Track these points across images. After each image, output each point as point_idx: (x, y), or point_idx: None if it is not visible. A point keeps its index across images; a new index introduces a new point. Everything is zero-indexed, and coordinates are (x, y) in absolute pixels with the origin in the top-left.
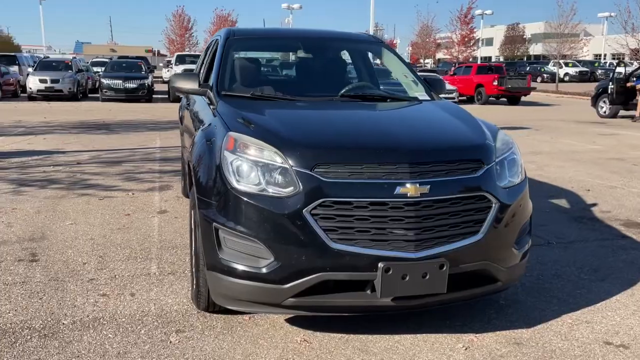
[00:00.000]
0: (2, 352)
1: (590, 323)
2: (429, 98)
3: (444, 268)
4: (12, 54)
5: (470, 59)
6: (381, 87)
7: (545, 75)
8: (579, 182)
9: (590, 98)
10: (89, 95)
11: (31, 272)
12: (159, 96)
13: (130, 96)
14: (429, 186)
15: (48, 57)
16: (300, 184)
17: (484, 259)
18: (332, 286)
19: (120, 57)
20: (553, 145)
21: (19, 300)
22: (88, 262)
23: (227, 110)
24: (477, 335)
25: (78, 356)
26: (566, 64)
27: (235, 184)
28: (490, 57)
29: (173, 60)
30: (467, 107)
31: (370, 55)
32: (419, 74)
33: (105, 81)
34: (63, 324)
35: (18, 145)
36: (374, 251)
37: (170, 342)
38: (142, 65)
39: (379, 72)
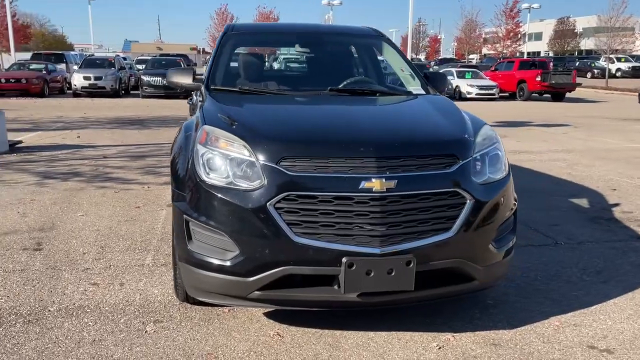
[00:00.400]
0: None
1: (578, 326)
2: (423, 92)
3: (411, 265)
4: (60, 52)
5: (517, 54)
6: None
7: (595, 70)
8: (607, 181)
9: (638, 94)
10: (131, 92)
11: (32, 260)
12: None
13: (169, 92)
14: (395, 181)
15: (93, 55)
16: (265, 177)
17: (457, 256)
18: (300, 280)
19: (161, 55)
20: (587, 143)
21: (13, 287)
22: (88, 252)
23: (210, 105)
24: (455, 334)
25: (55, 342)
26: (618, 59)
27: (204, 177)
28: (538, 52)
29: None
30: (508, 104)
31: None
32: (459, 69)
33: (145, 78)
34: (49, 310)
35: (53, 139)
36: (338, 246)
37: (146, 331)
38: (182, 63)
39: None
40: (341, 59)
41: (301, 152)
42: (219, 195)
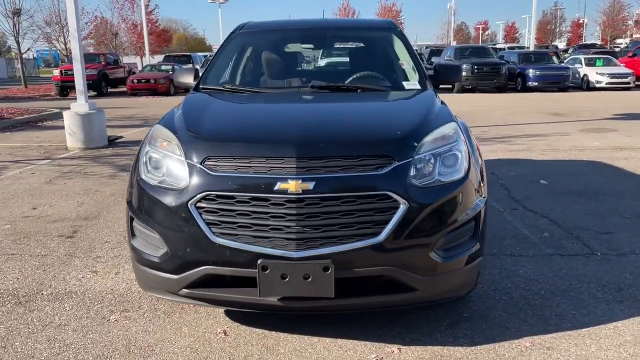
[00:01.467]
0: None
1: (550, 349)
2: (418, 88)
3: (329, 271)
4: (188, 54)
5: None
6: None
7: None
8: None
9: None
10: None
11: (59, 247)
12: None
13: None
14: (314, 183)
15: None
16: (190, 177)
17: (388, 264)
18: (230, 281)
19: None
20: None
21: (27, 270)
22: (109, 242)
23: (183, 104)
24: (403, 347)
25: (27, 323)
26: None
27: (142, 175)
28: None
29: None
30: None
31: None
32: (590, 56)
33: None
34: (42, 294)
35: None
36: (255, 248)
37: (109, 320)
38: None
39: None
40: (346, 55)
41: (224, 152)
42: (151, 193)
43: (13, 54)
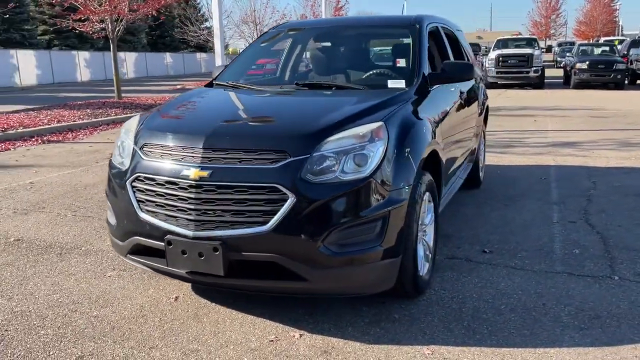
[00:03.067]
0: (21, 254)
1: None
2: (401, 87)
3: (218, 251)
4: None
5: None
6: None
7: None
8: None
9: None
10: None
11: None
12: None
13: None
14: (210, 171)
15: None
16: (132, 160)
17: (274, 252)
18: (152, 250)
19: None
20: None
21: (87, 230)
22: None
23: (172, 98)
24: (306, 334)
25: (50, 269)
26: None
27: (112, 158)
28: None
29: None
30: None
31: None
32: None
33: None
34: (80, 249)
35: None
36: (165, 225)
37: (105, 275)
38: None
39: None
40: (352, 53)
41: (155, 141)
42: (111, 172)
43: (230, 50)
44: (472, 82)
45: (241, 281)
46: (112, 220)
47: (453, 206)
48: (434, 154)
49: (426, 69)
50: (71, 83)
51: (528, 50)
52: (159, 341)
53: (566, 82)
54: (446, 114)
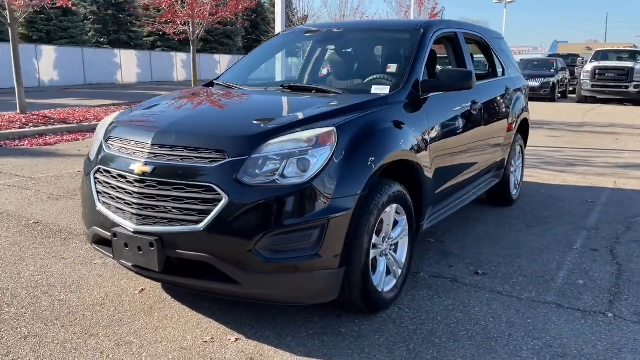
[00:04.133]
0: (31, 235)
1: None
2: (384, 93)
3: (154, 247)
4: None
5: None
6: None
7: None
8: None
9: None
10: None
11: None
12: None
13: (530, 94)
14: (153, 167)
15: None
16: (98, 152)
17: (207, 252)
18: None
19: (551, 56)
20: None
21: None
22: None
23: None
24: (242, 338)
25: (46, 252)
26: None
27: (90, 152)
28: None
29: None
30: None
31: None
32: None
33: None
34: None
35: None
36: (113, 217)
37: (91, 263)
38: (555, 63)
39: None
40: (357, 56)
41: (118, 135)
42: (85, 165)
43: None
44: (497, 92)
45: (177, 279)
46: (82, 210)
47: (469, 222)
48: (406, 164)
49: (420, 76)
50: (168, 82)
51: (629, 64)
52: (101, 330)
53: None
54: (444, 124)
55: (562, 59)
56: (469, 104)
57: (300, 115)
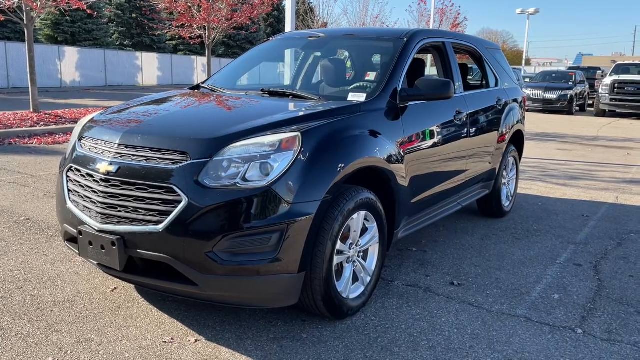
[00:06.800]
0: (20, 232)
1: None
2: (360, 100)
3: (115, 246)
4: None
5: None
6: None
7: None
8: None
9: None
10: None
11: None
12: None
13: (547, 107)
14: (117, 167)
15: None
16: (72, 151)
17: (166, 253)
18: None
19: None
20: None
21: None
22: None
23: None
24: (202, 340)
25: (31, 248)
26: None
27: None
28: None
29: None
30: None
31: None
32: None
33: (526, 92)
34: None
35: None
36: (80, 215)
37: (71, 260)
38: (574, 76)
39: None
40: (341, 62)
41: (90, 134)
42: (60, 164)
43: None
44: (487, 103)
45: (138, 278)
46: (56, 208)
47: (456, 233)
48: (377, 171)
49: (399, 84)
50: (187, 85)
51: None
52: (66, 327)
53: None
54: (423, 133)
55: (582, 72)
56: (453, 113)
57: (269, 120)
